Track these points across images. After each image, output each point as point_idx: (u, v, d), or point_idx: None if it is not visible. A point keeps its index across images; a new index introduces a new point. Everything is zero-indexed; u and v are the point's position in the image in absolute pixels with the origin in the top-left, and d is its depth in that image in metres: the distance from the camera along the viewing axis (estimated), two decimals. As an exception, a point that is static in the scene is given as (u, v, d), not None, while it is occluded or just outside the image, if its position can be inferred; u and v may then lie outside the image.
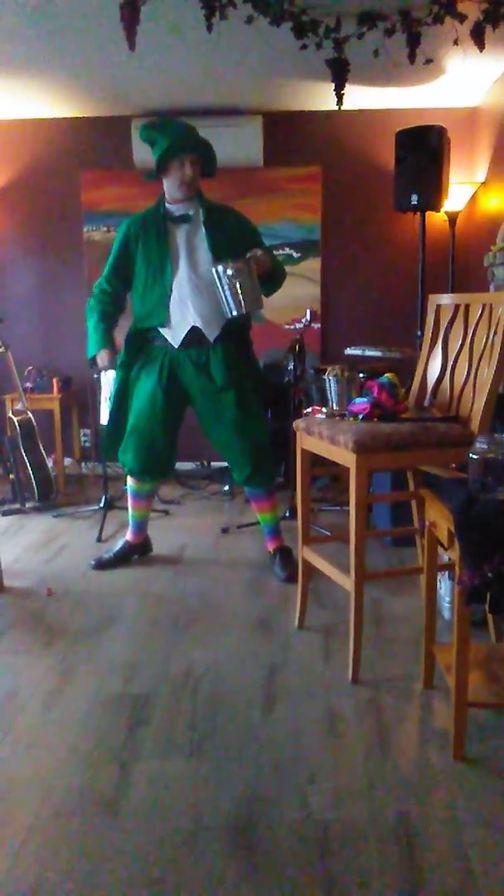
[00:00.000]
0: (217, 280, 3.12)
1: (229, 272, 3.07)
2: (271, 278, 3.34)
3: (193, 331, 3.33)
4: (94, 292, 3.57)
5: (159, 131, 3.26)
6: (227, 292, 3.12)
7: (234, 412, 3.36)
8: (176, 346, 3.36)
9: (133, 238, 3.40)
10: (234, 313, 3.17)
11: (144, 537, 3.78)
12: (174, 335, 3.36)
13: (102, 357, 3.50)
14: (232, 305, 3.14)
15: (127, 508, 3.73)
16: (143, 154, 5.16)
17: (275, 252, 5.40)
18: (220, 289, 3.14)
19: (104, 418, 4.61)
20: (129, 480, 3.65)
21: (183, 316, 3.33)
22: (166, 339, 3.38)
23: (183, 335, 3.34)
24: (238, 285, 3.09)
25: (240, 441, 3.40)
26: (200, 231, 3.33)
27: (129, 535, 3.75)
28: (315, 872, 1.65)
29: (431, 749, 2.13)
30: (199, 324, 3.32)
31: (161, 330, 3.38)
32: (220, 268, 3.09)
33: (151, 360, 3.42)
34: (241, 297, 3.11)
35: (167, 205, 3.39)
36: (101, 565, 3.61)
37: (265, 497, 3.55)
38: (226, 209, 3.45)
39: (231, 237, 3.33)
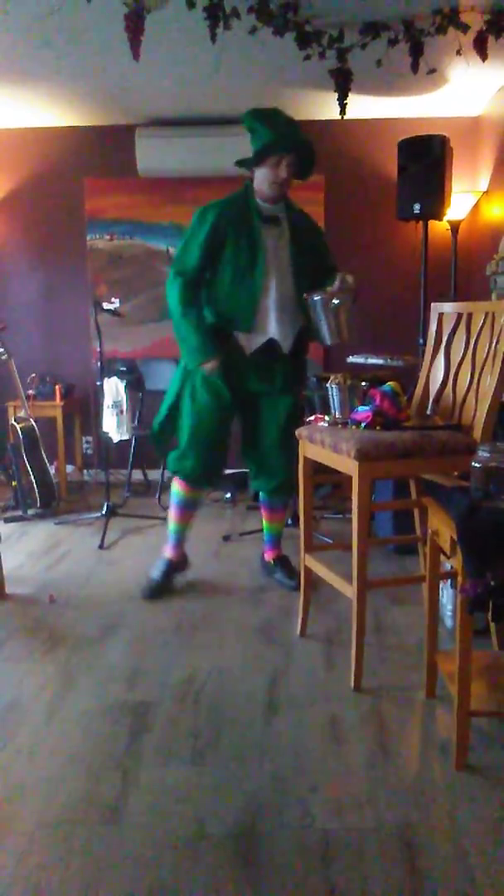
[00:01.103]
0: (318, 308, 3.04)
1: (335, 302, 3.00)
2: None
3: (269, 342, 3.20)
4: (179, 283, 3.16)
5: (263, 122, 3.06)
6: (327, 321, 3.05)
7: (284, 421, 3.27)
8: (248, 354, 3.21)
9: (223, 227, 3.11)
10: (331, 342, 3.12)
11: (184, 552, 3.56)
12: (251, 342, 3.20)
13: (213, 366, 3.15)
14: (328, 335, 3.09)
15: (129, 516, 3.72)
16: (146, 162, 5.20)
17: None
18: (321, 316, 3.06)
19: (106, 425, 4.64)
20: (180, 489, 3.41)
21: (263, 325, 3.18)
22: (238, 343, 3.20)
23: (260, 344, 3.20)
24: (341, 315, 3.04)
25: (280, 451, 3.30)
26: (286, 238, 3.18)
27: (168, 552, 3.51)
28: (317, 881, 1.65)
29: (433, 758, 2.12)
30: (276, 336, 3.19)
31: (237, 334, 3.20)
32: (321, 297, 3.01)
33: (218, 363, 3.18)
34: (341, 326, 3.06)
35: (257, 200, 3.18)
36: (153, 593, 3.36)
37: (281, 508, 3.51)
38: (306, 216, 3.32)
39: (311, 248, 3.24)
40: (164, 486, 5.08)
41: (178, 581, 3.49)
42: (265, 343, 3.20)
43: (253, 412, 3.34)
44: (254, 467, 3.44)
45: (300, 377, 3.42)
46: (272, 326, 3.18)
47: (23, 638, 2.95)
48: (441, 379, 2.78)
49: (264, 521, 3.61)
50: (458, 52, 3.67)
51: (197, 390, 3.25)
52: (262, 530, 3.67)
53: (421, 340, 4.89)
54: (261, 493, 3.54)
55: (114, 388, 4.66)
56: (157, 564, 3.50)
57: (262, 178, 3.13)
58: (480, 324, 2.59)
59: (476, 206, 5.17)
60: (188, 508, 3.47)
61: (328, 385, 2.79)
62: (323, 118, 5.25)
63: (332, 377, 2.82)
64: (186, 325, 3.14)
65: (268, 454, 3.35)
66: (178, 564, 3.53)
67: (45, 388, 5.35)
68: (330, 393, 2.79)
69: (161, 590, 3.39)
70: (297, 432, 2.85)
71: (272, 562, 3.57)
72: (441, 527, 2.14)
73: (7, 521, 4.68)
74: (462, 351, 2.68)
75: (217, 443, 3.32)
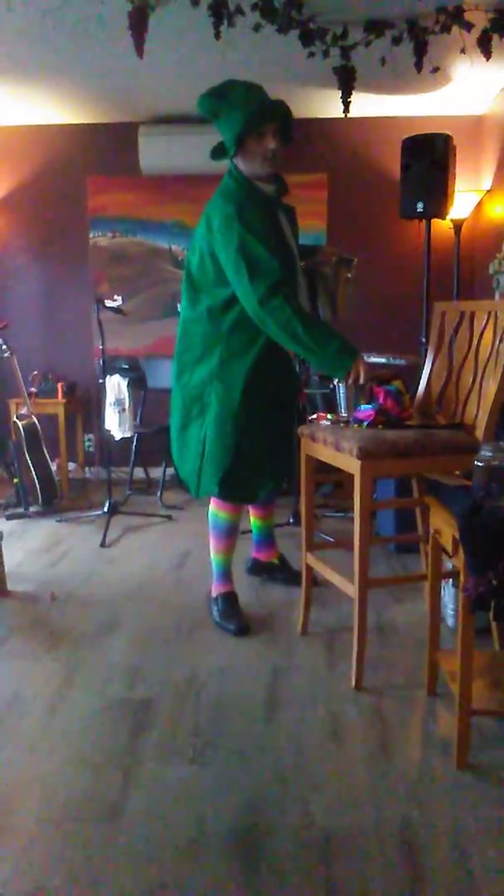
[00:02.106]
0: (324, 280, 2.88)
1: (348, 275, 2.87)
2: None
3: None
4: (281, 295, 2.62)
5: (226, 101, 2.71)
6: (337, 294, 2.93)
7: (293, 422, 3.15)
8: (283, 349, 2.88)
9: (259, 216, 2.73)
10: (325, 316, 2.98)
11: (232, 583, 3.16)
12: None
13: (360, 364, 2.64)
14: (336, 307, 2.97)
15: (130, 514, 3.69)
16: (149, 160, 5.20)
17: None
18: (329, 287, 2.93)
19: (108, 423, 4.64)
20: (226, 513, 3.04)
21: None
22: (281, 348, 2.85)
23: None
24: (345, 289, 2.93)
25: (286, 447, 3.12)
26: (286, 217, 2.93)
27: (223, 587, 3.11)
28: (317, 879, 1.65)
29: (434, 757, 2.12)
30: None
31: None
32: (332, 269, 2.88)
33: (259, 367, 2.85)
34: (345, 300, 2.94)
35: (258, 185, 2.82)
36: (244, 630, 2.94)
37: (272, 503, 3.37)
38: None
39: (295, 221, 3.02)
40: (166, 485, 5.10)
41: (178, 586, 3.46)
42: None
43: (276, 412, 3.02)
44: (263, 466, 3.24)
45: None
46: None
47: (24, 635, 2.95)
48: (444, 378, 2.78)
49: (258, 520, 3.39)
50: (462, 51, 3.67)
51: (259, 411, 2.87)
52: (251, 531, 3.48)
53: (423, 339, 4.88)
54: None
55: (116, 386, 4.66)
56: (215, 614, 3.07)
57: (251, 159, 2.76)
58: (483, 323, 2.59)
59: (479, 205, 5.17)
60: (236, 533, 3.12)
61: (335, 383, 2.78)
62: (326, 116, 5.25)
63: None
64: (316, 331, 2.64)
65: (279, 455, 3.12)
66: (234, 596, 3.12)
67: (48, 386, 5.35)
68: (336, 391, 2.79)
69: (247, 625, 2.98)
70: (299, 430, 2.84)
71: (276, 560, 3.48)
72: (443, 526, 2.14)
73: (9, 518, 4.68)
74: (465, 350, 2.67)
75: (273, 451, 3.02)
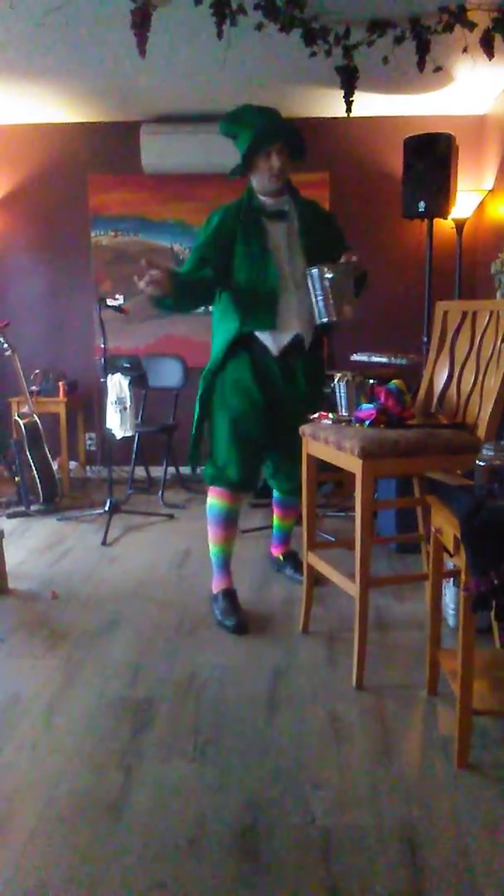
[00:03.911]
0: (312, 283, 2.94)
1: (328, 275, 2.89)
2: (361, 284, 3.17)
3: (296, 338, 3.08)
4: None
5: (240, 124, 3.01)
6: (321, 297, 2.93)
7: (301, 420, 3.06)
8: (275, 354, 3.07)
9: (230, 226, 3.03)
10: (325, 319, 2.98)
11: (231, 578, 3.23)
12: (276, 342, 3.07)
13: (152, 277, 2.77)
14: (324, 311, 2.96)
15: (131, 513, 3.69)
16: (151, 159, 5.20)
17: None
18: (315, 293, 2.95)
19: (109, 421, 4.65)
20: (221, 500, 3.16)
21: (287, 322, 3.06)
22: (264, 345, 3.07)
23: (286, 342, 3.08)
24: (335, 291, 2.91)
25: (298, 451, 3.07)
26: (296, 230, 3.08)
27: (223, 584, 3.18)
28: (318, 878, 1.65)
29: (435, 756, 2.12)
30: (301, 331, 3.08)
31: (260, 335, 3.06)
32: (316, 271, 2.91)
33: (241, 365, 3.08)
34: (334, 303, 2.93)
35: (261, 198, 3.08)
36: (244, 628, 2.98)
37: (296, 506, 3.40)
38: (315, 204, 3.23)
39: (323, 237, 3.13)
40: (167, 484, 5.10)
41: (179, 585, 3.47)
42: (292, 339, 3.08)
43: (279, 414, 3.15)
44: (272, 467, 3.34)
45: (321, 376, 3.28)
46: (295, 322, 3.07)
47: (25, 634, 2.95)
48: (445, 377, 2.78)
49: (276, 519, 3.59)
50: (465, 50, 3.67)
51: (227, 397, 3.10)
52: (269, 527, 3.67)
53: (425, 339, 4.88)
54: (275, 492, 3.50)
55: (117, 385, 4.66)
56: (216, 612, 3.11)
57: (259, 176, 3.05)
58: (485, 322, 2.59)
59: (481, 205, 5.16)
60: (231, 523, 3.21)
61: (335, 383, 2.78)
62: (328, 115, 5.25)
63: (340, 374, 2.81)
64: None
65: (287, 456, 3.21)
66: (233, 591, 3.17)
67: (49, 385, 5.35)
68: (337, 390, 2.79)
69: (246, 622, 3.02)
70: (300, 429, 2.84)
71: (281, 557, 3.59)
72: (445, 525, 2.14)
73: (10, 516, 4.68)
74: (466, 349, 2.67)
75: (253, 446, 3.15)
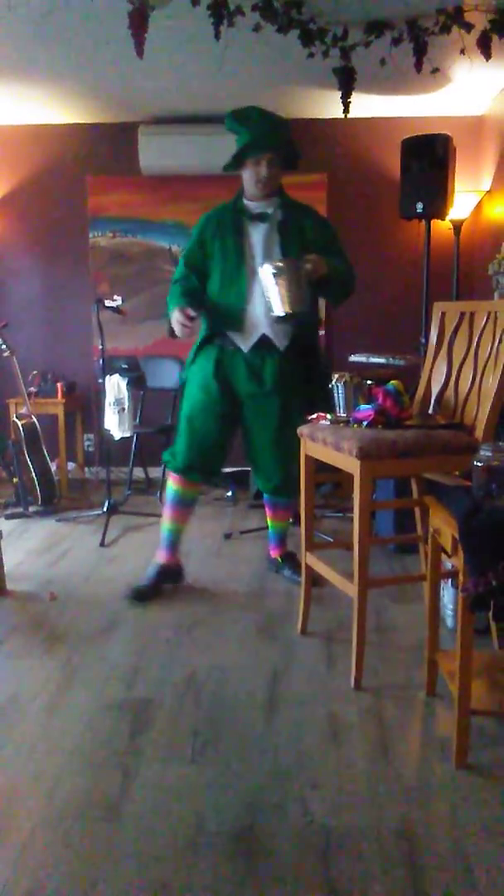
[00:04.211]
0: (262, 278, 3.00)
1: (273, 270, 2.94)
2: (333, 286, 3.19)
3: (263, 338, 3.19)
4: (175, 283, 3.31)
5: (243, 124, 3.12)
6: (269, 291, 2.98)
7: (275, 421, 3.24)
8: (245, 351, 3.20)
9: (211, 233, 3.23)
10: (274, 313, 3.02)
11: (178, 559, 3.48)
12: (245, 341, 3.21)
13: (176, 316, 3.09)
14: (273, 305, 3.00)
15: (130, 514, 3.70)
16: (149, 160, 5.20)
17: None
18: (264, 287, 3.01)
19: (108, 422, 4.64)
20: (173, 483, 3.40)
21: (254, 323, 3.17)
22: (234, 342, 3.22)
23: (254, 341, 3.20)
24: (281, 285, 2.94)
25: (276, 451, 3.27)
26: (274, 233, 3.18)
27: (160, 556, 3.44)
28: (316, 878, 1.65)
29: (434, 757, 2.13)
30: (268, 332, 3.17)
31: (231, 334, 3.22)
32: (266, 266, 2.97)
33: (207, 359, 3.27)
34: (282, 298, 2.96)
35: (245, 201, 3.24)
36: (140, 596, 3.27)
37: (284, 507, 3.50)
38: (305, 209, 3.30)
39: (306, 240, 3.18)
40: (165, 484, 5.09)
41: (177, 586, 3.46)
42: (259, 339, 3.19)
43: (246, 413, 3.32)
44: (253, 466, 3.47)
45: (302, 375, 3.30)
46: (264, 323, 3.15)
47: (23, 635, 2.95)
48: (443, 378, 2.78)
49: (268, 519, 3.62)
50: (462, 52, 3.67)
51: (191, 390, 3.31)
52: (265, 528, 3.69)
53: (423, 339, 4.89)
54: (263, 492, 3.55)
55: (115, 386, 4.66)
56: (148, 568, 3.43)
57: (246, 178, 3.19)
58: (483, 323, 2.59)
59: (479, 206, 5.17)
60: (181, 506, 3.42)
61: (333, 384, 2.79)
62: (326, 116, 5.25)
63: (336, 376, 2.82)
64: (169, 301, 3.23)
65: (260, 455, 3.36)
66: (170, 570, 3.44)
67: (47, 386, 5.35)
68: (335, 391, 2.79)
69: (146, 595, 3.28)
70: (298, 430, 2.85)
71: (279, 558, 3.59)
72: (443, 526, 2.14)
73: (8, 517, 4.68)
74: (464, 350, 2.68)
75: (209, 439, 3.29)
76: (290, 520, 3.62)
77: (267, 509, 3.60)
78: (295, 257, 3.05)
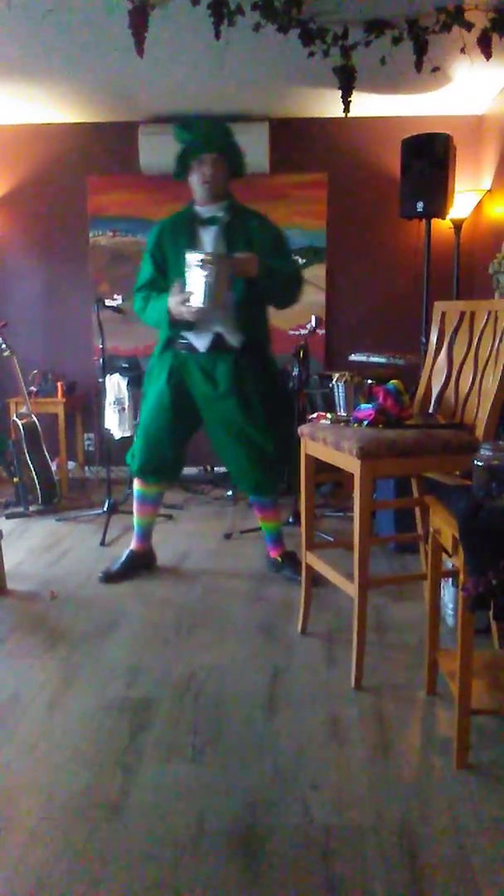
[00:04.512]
0: (187, 267, 3.04)
1: (197, 262, 2.98)
2: (270, 288, 3.22)
3: (217, 337, 3.27)
4: (138, 298, 3.42)
5: (186, 131, 3.23)
6: (191, 280, 3.02)
7: (236, 420, 3.31)
8: (202, 351, 3.29)
9: (165, 240, 3.35)
10: (190, 304, 3.06)
11: (149, 547, 3.70)
12: (199, 341, 3.30)
13: (174, 302, 3.13)
14: (191, 296, 3.04)
15: (131, 513, 3.72)
16: (149, 159, 5.20)
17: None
18: (187, 276, 3.05)
19: (108, 422, 4.65)
20: (136, 483, 3.60)
21: (207, 323, 3.24)
22: (191, 345, 3.31)
23: (209, 341, 3.28)
24: (203, 277, 2.98)
25: (243, 450, 3.36)
26: (221, 237, 3.27)
27: (133, 544, 3.67)
28: (317, 878, 1.65)
29: (434, 756, 2.13)
30: (222, 331, 3.26)
31: (187, 335, 3.31)
32: (191, 255, 3.01)
33: (161, 367, 3.40)
34: (201, 289, 3.00)
35: (196, 207, 3.35)
36: (109, 578, 3.51)
37: (270, 506, 3.54)
38: (251, 213, 3.36)
39: (252, 242, 3.23)
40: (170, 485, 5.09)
41: (178, 586, 3.49)
42: (213, 339, 3.27)
43: (205, 416, 3.42)
44: (227, 468, 3.59)
45: (255, 372, 3.32)
46: (216, 323, 3.24)
47: (24, 634, 2.95)
48: (443, 377, 2.78)
49: (259, 520, 3.66)
50: (463, 51, 3.67)
51: (146, 395, 3.47)
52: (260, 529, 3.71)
53: (423, 339, 4.89)
54: None
55: (115, 386, 4.66)
56: (123, 553, 3.66)
57: (193, 183, 3.29)
58: (483, 322, 2.59)
59: (479, 205, 5.17)
60: (145, 503, 3.61)
61: (334, 383, 2.79)
62: (326, 116, 5.25)
63: (338, 375, 2.82)
64: (150, 308, 3.32)
65: (228, 457, 3.45)
66: (141, 556, 3.65)
67: (47, 385, 5.35)
68: (336, 390, 2.79)
69: (116, 577, 3.52)
70: (299, 430, 2.85)
71: (279, 558, 3.59)
72: (443, 525, 2.14)
73: (8, 517, 4.68)
74: (465, 349, 2.68)
75: (163, 443, 3.43)
76: (286, 519, 3.63)
77: (254, 510, 3.64)
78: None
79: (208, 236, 3.28)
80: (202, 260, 2.97)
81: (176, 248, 3.26)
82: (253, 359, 3.34)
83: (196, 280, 3.00)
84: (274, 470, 3.43)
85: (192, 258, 3.00)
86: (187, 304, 3.07)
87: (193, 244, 3.25)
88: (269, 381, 3.40)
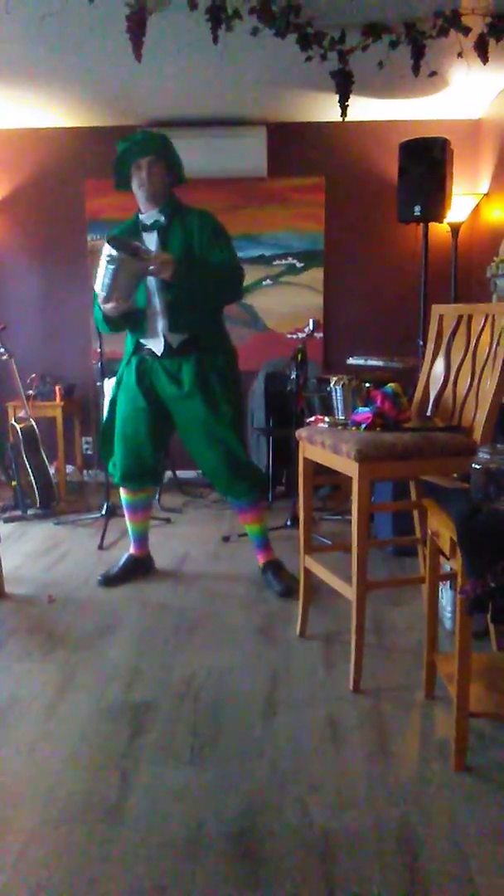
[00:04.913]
0: (101, 256, 3.08)
1: (107, 255, 3.03)
2: (194, 288, 3.19)
3: (165, 340, 3.30)
4: (94, 307, 3.40)
5: (123, 141, 3.26)
6: (99, 270, 3.07)
7: (204, 419, 3.29)
8: (159, 355, 3.33)
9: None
10: (98, 294, 3.14)
11: (147, 551, 3.71)
12: (156, 346, 3.33)
13: (106, 309, 3.19)
14: (96, 286, 3.12)
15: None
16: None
17: (277, 261, 5.46)
18: (98, 264, 3.09)
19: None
20: (122, 492, 3.61)
21: (155, 327, 3.30)
22: (151, 350, 3.35)
23: (163, 345, 3.31)
24: (109, 270, 3.03)
25: (212, 450, 3.33)
26: (167, 237, 3.28)
27: (131, 549, 3.68)
28: (316, 881, 1.65)
29: (432, 759, 2.13)
30: (166, 335, 3.29)
31: (144, 341, 3.36)
32: (105, 246, 3.06)
33: (130, 371, 3.42)
34: (105, 280, 3.06)
35: (139, 215, 3.38)
36: (108, 581, 3.51)
37: (247, 508, 3.48)
38: (192, 212, 3.34)
39: (185, 241, 3.24)
40: (164, 487, 5.10)
41: (176, 589, 3.48)
42: (164, 342, 3.30)
43: (175, 417, 3.41)
44: (204, 472, 3.54)
45: (218, 372, 3.32)
46: (160, 326, 3.29)
47: (22, 638, 2.95)
48: (441, 380, 2.78)
49: (241, 524, 3.65)
50: (460, 55, 3.68)
51: (119, 401, 3.46)
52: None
53: (421, 342, 4.89)
54: None
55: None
56: (122, 556, 3.68)
57: (135, 189, 3.32)
58: (480, 326, 2.60)
59: (476, 209, 5.18)
60: (134, 510, 3.63)
61: (331, 386, 2.79)
62: (324, 120, 5.26)
63: (336, 378, 2.82)
64: (95, 310, 3.33)
65: (199, 458, 3.44)
66: (138, 560, 3.66)
67: (46, 389, 5.35)
68: (333, 394, 2.80)
69: (114, 581, 3.53)
70: (297, 433, 2.85)
71: (261, 566, 3.53)
72: (441, 528, 2.15)
73: (6, 521, 4.68)
74: (462, 353, 2.68)
75: (142, 448, 3.44)
76: (289, 521, 3.61)
77: (239, 514, 3.58)
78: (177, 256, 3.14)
79: (150, 242, 3.30)
80: (111, 257, 3.01)
81: None
82: (216, 359, 3.33)
83: (102, 273, 3.06)
84: (245, 472, 3.37)
85: (106, 249, 3.04)
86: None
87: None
88: (230, 383, 3.37)
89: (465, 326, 2.70)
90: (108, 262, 3.02)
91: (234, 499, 3.48)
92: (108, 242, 3.03)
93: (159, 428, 3.45)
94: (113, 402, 3.51)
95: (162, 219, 3.31)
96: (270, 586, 3.42)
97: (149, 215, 3.34)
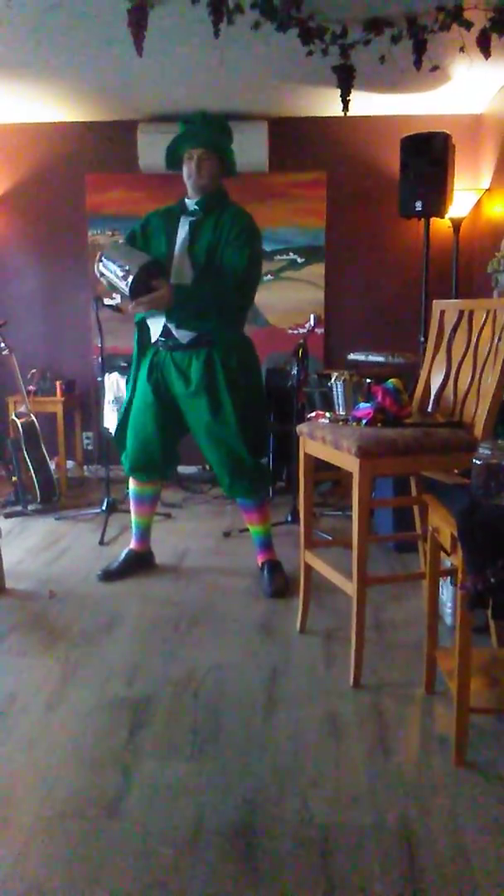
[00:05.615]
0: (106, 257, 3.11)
1: (102, 258, 3.08)
2: (198, 309, 3.14)
3: (165, 328, 3.24)
4: None
5: (184, 124, 3.24)
6: (106, 266, 3.09)
7: (205, 419, 3.26)
8: (153, 340, 3.32)
9: (151, 226, 3.36)
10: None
11: (148, 546, 3.70)
12: (154, 328, 3.31)
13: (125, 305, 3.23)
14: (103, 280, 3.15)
15: (129, 512, 3.72)
16: (148, 158, 5.20)
17: (278, 257, 5.46)
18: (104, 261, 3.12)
19: (107, 421, 4.64)
20: (130, 483, 3.61)
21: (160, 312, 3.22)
22: (167, 342, 3.28)
23: (159, 331, 3.27)
24: (109, 275, 3.07)
25: (214, 450, 3.31)
26: (198, 231, 3.23)
27: (132, 543, 3.67)
28: (316, 876, 1.65)
29: (433, 754, 2.13)
30: (169, 323, 3.22)
31: (148, 321, 3.34)
32: (101, 254, 3.10)
33: (142, 364, 3.40)
34: (107, 280, 3.09)
35: (185, 199, 3.34)
36: (108, 576, 3.51)
37: (251, 508, 3.47)
38: (230, 210, 3.27)
39: (214, 238, 3.19)
40: (164, 483, 5.09)
41: (177, 584, 3.49)
42: (163, 329, 3.25)
43: (184, 413, 3.38)
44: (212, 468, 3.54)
45: (230, 371, 3.24)
46: (158, 314, 3.24)
47: (22, 633, 2.95)
48: (442, 376, 2.78)
49: (245, 523, 3.65)
50: (462, 50, 3.67)
51: (134, 392, 3.45)
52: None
53: (422, 338, 4.89)
54: None
55: (114, 384, 4.65)
56: (122, 552, 3.68)
57: (184, 176, 3.29)
58: (482, 321, 2.59)
59: (478, 204, 5.17)
60: (140, 502, 3.62)
61: (332, 382, 2.79)
62: (325, 115, 5.25)
63: (337, 374, 2.82)
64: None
65: (206, 455, 3.41)
66: (140, 556, 3.66)
67: (46, 384, 5.35)
68: (334, 389, 2.79)
69: (115, 576, 3.54)
70: (297, 429, 2.85)
71: (259, 564, 3.52)
72: (441, 524, 2.14)
73: (7, 516, 4.68)
74: (463, 348, 2.68)
75: (151, 441, 3.42)
76: (290, 517, 3.60)
77: (244, 513, 3.57)
78: (200, 255, 3.17)
79: (183, 229, 3.27)
80: (99, 272, 3.09)
81: (159, 234, 3.30)
82: (229, 357, 3.25)
83: (109, 269, 3.07)
84: (248, 472, 3.32)
85: (98, 257, 3.10)
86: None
87: (172, 233, 3.27)
88: (243, 382, 3.29)
89: (466, 322, 2.70)
90: (99, 276, 3.11)
91: (240, 498, 3.47)
92: (98, 261, 3.10)
93: (168, 424, 3.40)
94: (129, 399, 3.51)
95: (199, 208, 3.28)
96: (262, 585, 3.41)
97: (191, 202, 3.31)
